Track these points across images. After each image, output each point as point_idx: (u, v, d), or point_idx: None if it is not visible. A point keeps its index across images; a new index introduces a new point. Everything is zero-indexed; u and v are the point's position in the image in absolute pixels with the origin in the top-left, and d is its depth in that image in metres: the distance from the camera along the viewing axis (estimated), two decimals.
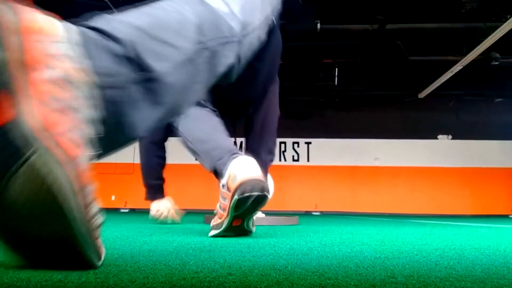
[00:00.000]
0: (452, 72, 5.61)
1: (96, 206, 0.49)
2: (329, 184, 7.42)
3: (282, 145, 7.59)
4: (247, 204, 1.02)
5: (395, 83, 6.59)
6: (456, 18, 4.79)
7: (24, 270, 0.49)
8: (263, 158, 1.57)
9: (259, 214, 2.50)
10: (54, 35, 0.48)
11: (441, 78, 5.91)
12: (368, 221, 3.26)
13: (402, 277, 0.50)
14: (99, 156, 0.56)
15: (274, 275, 0.50)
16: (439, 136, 7.61)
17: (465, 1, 4.32)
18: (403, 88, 6.76)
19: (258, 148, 1.57)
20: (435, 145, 7.54)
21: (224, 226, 1.08)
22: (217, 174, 1.14)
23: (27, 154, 0.42)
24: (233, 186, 1.01)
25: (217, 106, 1.35)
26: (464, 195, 7.22)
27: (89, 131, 0.50)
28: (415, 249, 0.85)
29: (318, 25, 4.71)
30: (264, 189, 1.01)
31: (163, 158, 2.33)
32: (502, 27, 4.42)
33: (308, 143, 7.67)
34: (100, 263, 0.52)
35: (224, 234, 1.10)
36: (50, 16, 0.50)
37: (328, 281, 0.46)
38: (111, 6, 4.26)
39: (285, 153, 7.62)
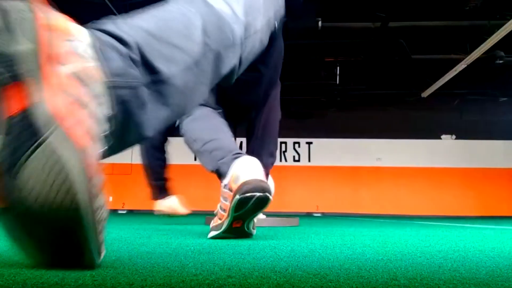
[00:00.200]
0: (455, 70, 5.61)
1: (103, 200, 0.51)
2: (331, 184, 7.42)
3: (283, 145, 7.60)
4: (248, 205, 1.02)
5: (397, 82, 6.59)
6: (460, 16, 4.79)
7: (20, 273, 0.49)
8: (265, 161, 1.58)
9: (259, 216, 2.51)
10: (68, 34, 0.52)
11: (444, 77, 5.91)
12: (370, 222, 3.26)
13: (405, 280, 0.50)
14: (108, 154, 0.59)
15: (275, 277, 0.50)
16: (443, 136, 7.61)
17: None
18: (406, 87, 6.76)
19: (259, 151, 1.58)
20: (438, 145, 7.54)
21: (224, 227, 1.08)
22: (219, 174, 1.14)
23: (45, 135, 0.45)
24: (235, 186, 1.01)
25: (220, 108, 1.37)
26: (467, 196, 7.22)
27: (98, 127, 0.53)
28: (418, 251, 0.85)
29: (320, 23, 4.71)
30: (266, 190, 1.01)
31: (163, 159, 2.40)
32: (506, 25, 4.42)
33: (309, 143, 7.67)
34: (99, 260, 0.53)
35: (223, 235, 1.10)
36: (64, 17, 0.54)
37: (330, 284, 0.46)
38: (113, 9, 4.27)
39: (285, 153, 7.62)
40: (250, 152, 1.60)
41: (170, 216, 2.32)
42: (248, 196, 1.00)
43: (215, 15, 0.77)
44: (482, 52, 5.04)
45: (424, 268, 0.60)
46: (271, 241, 1.06)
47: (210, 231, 1.15)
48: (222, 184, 1.09)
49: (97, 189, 0.49)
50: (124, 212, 6.79)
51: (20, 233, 0.49)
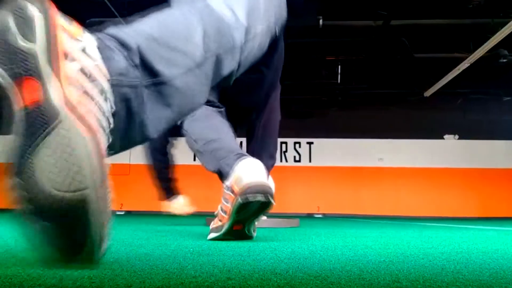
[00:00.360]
0: (459, 69, 5.60)
1: (108, 191, 0.56)
2: (332, 185, 7.42)
3: (283, 145, 7.59)
4: (250, 208, 1.02)
5: (400, 81, 6.59)
6: (463, 14, 4.79)
7: (17, 275, 0.49)
8: (265, 162, 1.60)
9: (261, 217, 2.52)
10: (77, 35, 0.57)
11: (447, 76, 5.91)
12: (372, 223, 3.26)
13: (408, 282, 0.50)
14: (112, 153, 0.63)
15: (275, 279, 0.50)
16: (445, 136, 7.60)
17: None
18: (408, 86, 6.76)
19: (259, 153, 1.59)
20: (441, 145, 7.54)
21: (224, 229, 1.08)
22: (221, 175, 1.14)
23: (55, 123, 0.50)
24: (237, 189, 1.01)
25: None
26: (471, 197, 7.22)
27: (104, 119, 0.58)
28: (421, 253, 0.85)
29: (321, 21, 4.71)
30: (269, 194, 1.01)
31: (165, 161, 2.45)
32: (510, 23, 4.42)
33: (310, 143, 7.67)
34: (100, 254, 0.54)
35: (223, 237, 1.10)
36: (72, 20, 0.59)
37: (331, 286, 0.46)
38: (112, 8, 4.28)
39: (286, 153, 7.62)
40: (250, 153, 1.62)
41: (178, 216, 2.43)
42: (251, 199, 1.00)
43: (216, 19, 0.81)
44: (485, 51, 5.04)
45: (426, 270, 0.60)
46: (272, 243, 1.06)
47: (210, 233, 1.15)
48: (224, 186, 1.09)
49: (104, 176, 0.54)
50: (122, 213, 6.79)
51: (31, 227, 0.53)
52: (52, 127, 0.50)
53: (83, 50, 0.57)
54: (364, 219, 4.91)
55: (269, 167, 1.67)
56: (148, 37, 0.68)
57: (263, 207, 1.03)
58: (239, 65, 0.90)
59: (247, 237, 1.13)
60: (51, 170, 0.50)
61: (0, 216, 2.51)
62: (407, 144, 7.52)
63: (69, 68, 0.54)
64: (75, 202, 0.50)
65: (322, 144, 7.64)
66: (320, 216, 7.15)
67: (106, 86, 0.59)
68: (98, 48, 0.60)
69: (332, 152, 7.55)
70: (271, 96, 1.61)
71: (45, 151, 0.50)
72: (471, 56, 5.22)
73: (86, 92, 0.55)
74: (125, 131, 0.64)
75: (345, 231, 1.86)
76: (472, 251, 0.93)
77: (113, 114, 0.61)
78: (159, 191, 2.48)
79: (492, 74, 6.13)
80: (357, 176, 7.44)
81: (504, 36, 4.64)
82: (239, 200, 1.00)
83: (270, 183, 1.05)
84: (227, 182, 1.06)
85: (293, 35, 4.75)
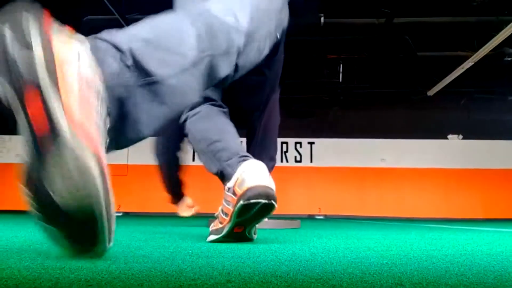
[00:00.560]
0: (463, 68, 5.60)
1: (112, 198, 0.63)
2: (333, 186, 7.42)
3: (284, 145, 7.59)
4: (252, 211, 1.02)
5: (403, 80, 6.59)
6: (467, 12, 4.78)
7: (13, 277, 0.49)
8: (265, 164, 1.62)
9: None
10: (73, 41, 0.61)
11: (451, 74, 5.91)
12: (374, 225, 3.26)
13: (411, 285, 0.50)
14: (110, 149, 0.69)
15: (276, 282, 0.50)
16: (449, 136, 7.60)
17: None
18: (411, 85, 6.76)
19: (260, 155, 1.60)
20: (445, 145, 7.53)
21: (224, 232, 1.08)
22: (223, 176, 1.13)
23: (59, 139, 0.55)
24: (239, 191, 1.01)
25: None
26: (475, 198, 7.22)
27: (103, 122, 0.63)
28: (424, 255, 0.85)
29: (322, 19, 4.71)
30: (272, 197, 1.01)
31: (176, 161, 2.49)
32: None
33: (311, 143, 7.67)
34: (109, 246, 0.63)
35: (223, 240, 1.09)
36: (67, 28, 0.63)
37: None
38: (113, 11, 4.28)
39: (287, 153, 7.61)
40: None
41: (183, 217, 2.54)
42: (253, 202, 0.99)
43: (213, 23, 0.87)
44: (490, 49, 5.03)
45: (430, 273, 0.60)
46: (272, 245, 1.06)
47: (209, 235, 1.15)
48: (226, 187, 1.09)
49: (106, 185, 0.60)
50: (120, 214, 6.79)
51: (45, 230, 0.61)
52: (56, 142, 0.55)
53: (78, 55, 0.61)
54: (366, 221, 4.91)
55: (269, 169, 1.70)
56: (140, 39, 0.72)
57: (265, 210, 1.02)
58: (237, 68, 0.95)
59: (247, 239, 1.13)
60: (58, 184, 0.56)
61: None
62: (410, 144, 7.51)
63: (66, 74, 0.57)
64: (82, 211, 0.57)
65: (323, 144, 7.63)
66: (321, 217, 7.14)
67: (102, 88, 0.63)
68: (92, 51, 0.64)
69: (333, 152, 7.55)
70: (271, 99, 1.64)
71: (51, 165, 0.56)
72: (475, 55, 5.22)
73: (84, 97, 0.59)
74: (120, 129, 0.68)
75: (347, 232, 1.87)
76: (477, 253, 0.93)
77: (109, 114, 0.65)
78: (169, 194, 2.55)
79: (497, 72, 6.12)
80: (359, 176, 7.43)
81: (509, 34, 4.64)
82: (241, 202, 0.99)
83: (272, 186, 1.05)
84: (229, 184, 1.06)
85: (294, 33, 4.75)
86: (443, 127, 7.52)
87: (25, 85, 0.54)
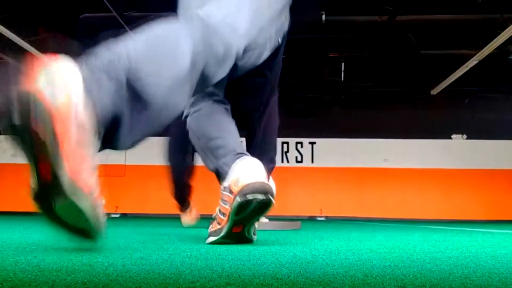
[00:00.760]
0: (467, 67, 5.60)
1: (102, 214, 0.83)
2: (335, 187, 7.42)
3: (285, 145, 7.59)
4: (249, 208, 1.02)
5: (405, 79, 6.59)
6: (471, 9, 4.78)
7: (8, 279, 0.49)
8: (265, 166, 1.64)
9: (262, 219, 2.54)
10: (68, 91, 0.70)
11: (455, 73, 5.91)
12: (376, 226, 3.26)
13: (414, 287, 0.50)
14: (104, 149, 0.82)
15: (276, 285, 0.50)
16: (453, 136, 7.60)
17: None
18: (414, 84, 6.75)
19: (260, 157, 1.62)
20: (449, 145, 7.53)
21: (223, 232, 1.08)
22: (219, 175, 1.14)
23: (65, 191, 0.72)
24: (235, 189, 1.01)
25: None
26: (480, 199, 7.22)
27: (94, 159, 0.77)
28: (427, 257, 0.85)
29: (323, 17, 4.71)
30: (269, 193, 1.01)
31: (185, 162, 2.56)
32: None
33: (312, 143, 7.67)
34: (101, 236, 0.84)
35: (222, 241, 1.09)
36: (58, 59, 0.72)
37: None
38: (111, 8, 4.28)
39: (287, 154, 7.61)
40: None
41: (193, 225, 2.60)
42: (250, 199, 1.00)
43: (212, 31, 0.95)
44: (494, 47, 5.03)
45: (433, 275, 0.60)
46: (272, 247, 1.06)
47: (208, 237, 1.15)
48: (222, 187, 1.09)
49: (100, 214, 0.81)
50: (117, 216, 6.79)
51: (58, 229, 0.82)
52: (61, 193, 0.72)
53: (75, 108, 0.70)
54: (368, 222, 4.91)
55: (269, 171, 1.72)
56: (135, 56, 0.81)
57: (263, 207, 1.03)
58: (236, 68, 1.03)
59: (247, 240, 1.13)
60: (68, 217, 0.79)
61: None
62: (413, 144, 7.51)
63: (65, 137, 0.69)
64: (83, 230, 0.82)
65: (324, 144, 7.63)
66: (322, 218, 7.14)
67: (95, 122, 0.74)
68: (86, 81, 0.73)
69: (335, 152, 7.55)
70: (270, 101, 1.68)
71: (61, 208, 0.76)
72: (479, 53, 5.22)
73: (79, 142, 0.71)
74: (114, 138, 0.80)
75: (349, 234, 1.87)
76: (481, 255, 0.93)
77: (99, 133, 0.77)
78: (175, 201, 2.60)
79: (502, 71, 6.12)
80: (361, 177, 7.43)
81: None
82: (238, 200, 1.00)
83: (271, 184, 1.05)
84: (225, 183, 1.06)
85: (295, 30, 4.74)
86: (446, 127, 7.51)
87: (37, 155, 0.69)
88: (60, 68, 0.70)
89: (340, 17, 5.00)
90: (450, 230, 2.76)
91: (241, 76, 1.22)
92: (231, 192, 1.03)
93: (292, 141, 7.61)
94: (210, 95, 1.29)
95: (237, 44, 1.01)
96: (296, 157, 7.63)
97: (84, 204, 0.75)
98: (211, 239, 1.12)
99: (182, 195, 2.66)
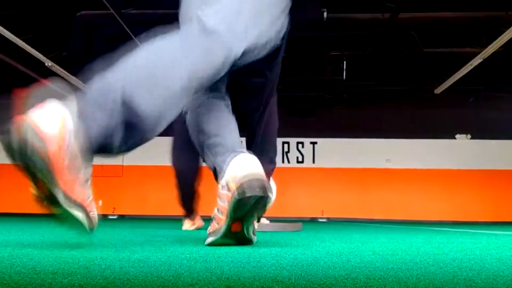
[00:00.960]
0: (471, 65, 5.60)
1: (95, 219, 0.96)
2: (337, 188, 7.42)
3: (285, 145, 7.60)
4: (248, 205, 1.02)
5: (408, 78, 6.59)
6: (476, 7, 4.78)
7: (4, 282, 0.49)
8: (265, 168, 1.65)
9: (263, 220, 2.54)
10: (62, 127, 0.83)
11: (459, 72, 5.90)
12: (379, 228, 3.26)
13: None
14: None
15: (277, 287, 0.50)
16: (457, 136, 7.60)
17: None
18: (418, 83, 6.75)
19: (260, 158, 1.63)
20: (453, 145, 7.53)
21: (222, 231, 1.08)
22: (217, 173, 1.15)
23: (63, 205, 0.87)
24: (233, 186, 1.02)
25: None
26: (484, 200, 7.22)
27: (87, 173, 0.92)
28: (431, 259, 0.85)
29: (325, 14, 4.71)
30: (266, 188, 1.02)
31: (194, 162, 2.48)
32: None
33: (313, 143, 7.67)
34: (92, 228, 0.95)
35: (222, 241, 1.10)
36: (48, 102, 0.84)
37: None
38: (108, 5, 4.28)
39: (288, 154, 7.62)
40: None
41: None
42: (248, 195, 1.01)
43: (209, 35, 1.02)
44: (499, 45, 5.03)
45: (437, 278, 0.60)
46: (273, 248, 1.06)
47: (207, 237, 1.15)
48: (219, 186, 1.09)
49: (94, 217, 0.95)
50: (115, 217, 6.80)
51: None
52: (61, 207, 0.87)
53: (68, 139, 0.83)
54: (370, 224, 4.91)
55: (269, 172, 1.74)
56: (131, 78, 0.91)
57: (261, 203, 1.04)
58: (233, 68, 1.08)
59: (246, 240, 1.13)
60: (63, 219, 0.90)
61: None
62: (416, 144, 7.51)
63: (59, 164, 0.82)
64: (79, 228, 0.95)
65: (326, 144, 7.64)
66: (324, 220, 7.15)
67: (88, 146, 0.87)
68: (79, 114, 0.85)
69: (337, 152, 7.55)
70: (269, 102, 1.70)
71: (60, 215, 0.89)
72: (484, 51, 5.22)
73: (70, 166, 0.84)
74: (104, 152, 0.92)
75: (351, 236, 1.87)
76: (486, 257, 0.93)
77: (91, 156, 0.90)
78: (181, 207, 2.55)
79: (507, 69, 6.12)
80: (363, 178, 7.43)
81: None
82: (236, 196, 1.01)
83: (272, 186, 1.06)
84: (222, 182, 1.07)
85: (296, 28, 4.74)
86: (450, 127, 7.51)
87: (34, 177, 0.83)
88: (51, 107, 0.84)
89: (342, 14, 5.00)
90: (454, 231, 2.76)
91: (241, 76, 1.22)
92: (228, 189, 1.04)
93: (293, 141, 7.61)
94: (210, 90, 1.30)
95: (237, 46, 1.04)
96: (297, 158, 7.64)
97: (78, 214, 0.89)
98: (210, 239, 1.12)
99: (191, 204, 2.56)
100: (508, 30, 4.70)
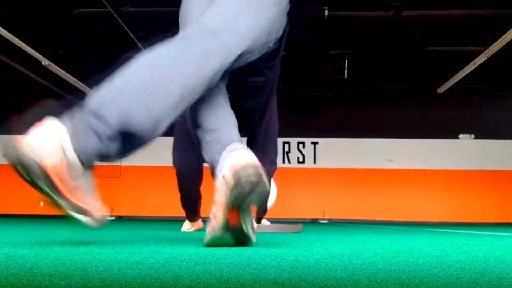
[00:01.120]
0: (475, 64, 5.60)
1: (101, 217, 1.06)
2: (338, 188, 7.42)
3: (286, 145, 7.60)
4: (243, 191, 1.03)
5: (411, 77, 6.59)
6: (480, 5, 4.78)
7: (1, 285, 0.49)
8: (266, 169, 1.66)
9: (264, 222, 2.54)
10: (56, 144, 0.90)
11: (462, 71, 5.91)
12: (381, 229, 3.26)
13: None
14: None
15: None
16: (461, 136, 7.61)
17: None
18: (420, 82, 6.76)
19: (261, 159, 1.64)
20: (456, 145, 7.54)
21: (220, 224, 1.08)
22: (213, 169, 1.16)
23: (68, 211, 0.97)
24: (228, 173, 1.03)
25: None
26: (488, 201, 7.22)
27: (89, 181, 1.00)
28: (434, 261, 0.85)
29: (326, 12, 4.71)
30: (261, 175, 1.04)
31: (199, 159, 2.43)
32: None
33: (314, 143, 7.68)
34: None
35: (220, 237, 1.10)
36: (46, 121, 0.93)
37: None
38: (106, 3, 4.29)
39: (289, 154, 7.62)
40: None
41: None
42: (243, 180, 1.02)
43: (208, 36, 1.04)
44: (503, 44, 5.03)
45: (440, 280, 0.60)
46: (273, 250, 1.06)
47: (206, 237, 1.15)
48: (216, 181, 1.10)
49: (99, 217, 1.04)
50: (113, 218, 6.80)
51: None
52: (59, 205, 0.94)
53: (63, 156, 0.91)
54: (373, 225, 4.91)
55: (270, 173, 1.74)
56: (125, 93, 0.96)
57: (257, 188, 1.04)
58: (233, 68, 1.11)
59: (245, 238, 1.13)
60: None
61: None
62: (419, 144, 7.52)
63: (58, 177, 0.91)
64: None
65: (327, 144, 7.64)
66: (325, 221, 7.15)
67: (85, 160, 0.94)
68: (73, 132, 0.92)
69: (338, 152, 7.56)
70: (269, 103, 1.72)
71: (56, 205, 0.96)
72: (488, 50, 5.22)
73: (70, 176, 0.92)
74: (103, 160, 1.00)
75: (353, 237, 1.87)
76: (490, 259, 0.93)
77: (90, 163, 0.98)
78: (184, 210, 2.53)
79: (511, 68, 6.12)
80: (365, 178, 7.44)
81: None
82: (231, 180, 1.02)
83: (272, 187, 1.06)
84: (219, 174, 1.08)
85: (296, 27, 4.75)
86: (454, 126, 7.52)
87: (42, 193, 0.92)
88: (49, 125, 0.92)
89: (344, 12, 5.00)
90: (457, 233, 2.76)
91: (240, 76, 1.23)
92: (224, 179, 1.05)
93: (293, 141, 7.62)
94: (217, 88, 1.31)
95: (236, 46, 1.06)
96: (298, 158, 7.64)
97: (82, 218, 0.98)
98: (209, 237, 1.13)
99: (192, 205, 2.53)
100: None
